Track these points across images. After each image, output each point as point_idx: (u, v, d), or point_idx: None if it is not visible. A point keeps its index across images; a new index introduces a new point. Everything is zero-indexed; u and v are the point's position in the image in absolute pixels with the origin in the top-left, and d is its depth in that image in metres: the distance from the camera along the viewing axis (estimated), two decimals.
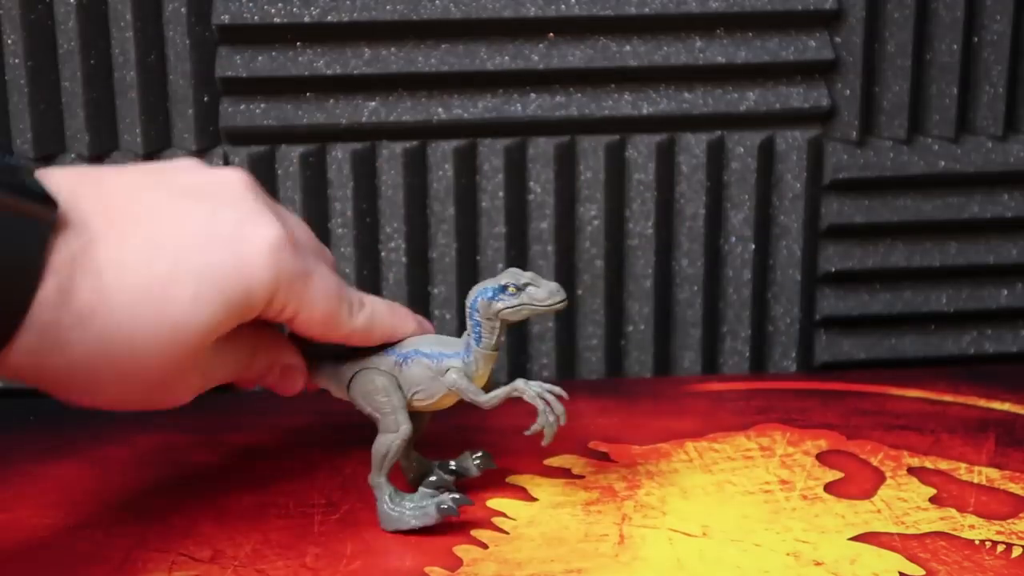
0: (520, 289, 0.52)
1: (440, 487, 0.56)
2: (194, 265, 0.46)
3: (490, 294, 0.52)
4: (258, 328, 0.52)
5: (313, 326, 0.51)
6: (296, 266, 0.48)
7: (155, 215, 0.46)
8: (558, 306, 0.52)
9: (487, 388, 0.54)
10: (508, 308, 0.52)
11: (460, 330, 0.78)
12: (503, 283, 0.52)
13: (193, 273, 0.45)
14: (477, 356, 0.53)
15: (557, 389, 0.53)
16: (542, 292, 0.52)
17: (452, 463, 0.58)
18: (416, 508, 0.53)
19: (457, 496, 0.54)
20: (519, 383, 0.53)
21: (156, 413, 0.62)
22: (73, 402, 0.47)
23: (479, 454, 0.58)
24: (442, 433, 0.61)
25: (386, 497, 0.54)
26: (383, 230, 0.78)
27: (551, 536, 0.53)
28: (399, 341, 0.55)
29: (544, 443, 0.53)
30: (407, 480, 0.57)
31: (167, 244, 0.45)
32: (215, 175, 0.50)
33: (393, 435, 0.53)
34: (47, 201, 0.42)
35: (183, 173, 0.49)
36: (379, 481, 0.54)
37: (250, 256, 0.47)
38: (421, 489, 0.54)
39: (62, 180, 0.44)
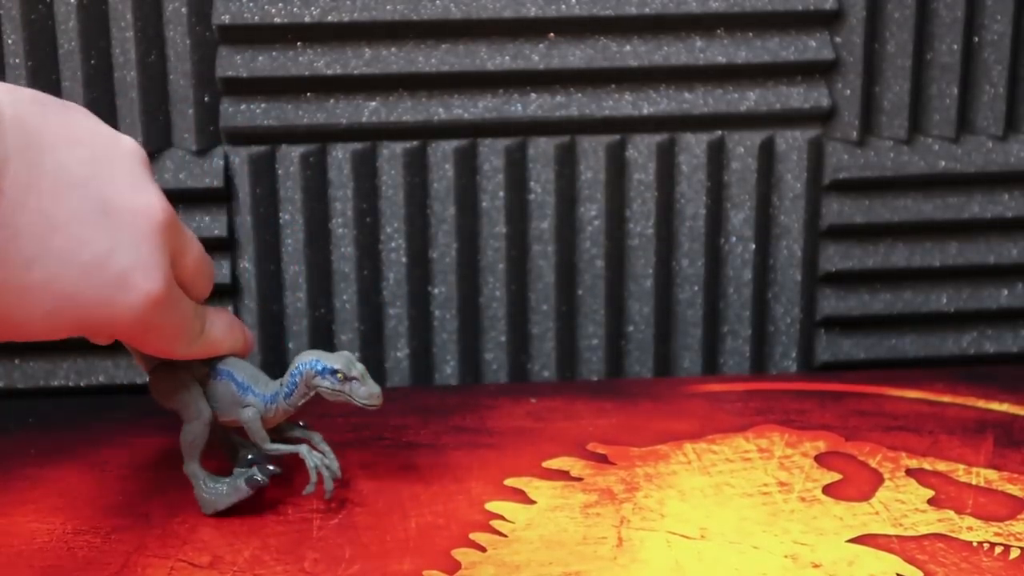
0: (348, 379, 0.55)
1: (253, 463, 0.57)
2: (63, 289, 0.47)
3: (319, 368, 0.55)
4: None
5: (148, 349, 0.53)
6: (164, 319, 0.51)
7: (62, 220, 0.47)
8: (371, 408, 0.55)
9: (276, 432, 0.57)
10: (326, 389, 0.55)
11: (459, 330, 0.78)
12: (335, 367, 0.55)
13: (58, 296, 0.47)
14: (278, 407, 0.56)
15: (334, 466, 0.57)
16: (363, 391, 0.55)
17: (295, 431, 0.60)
18: (229, 486, 0.56)
19: (268, 468, 0.56)
20: (303, 449, 0.56)
21: (156, 414, 0.62)
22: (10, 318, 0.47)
23: (299, 427, 0.60)
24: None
25: (201, 483, 0.56)
26: (383, 230, 0.78)
27: (549, 539, 0.53)
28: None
29: (306, 491, 0.56)
30: (236, 466, 0.59)
31: (54, 253, 0.47)
32: (136, 201, 0.49)
33: (196, 422, 0.56)
34: None
35: (111, 185, 0.49)
36: (192, 469, 0.56)
37: (124, 305, 0.48)
38: (235, 469, 0.57)
39: (20, 96, 0.46)
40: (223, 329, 0.56)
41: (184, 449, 0.56)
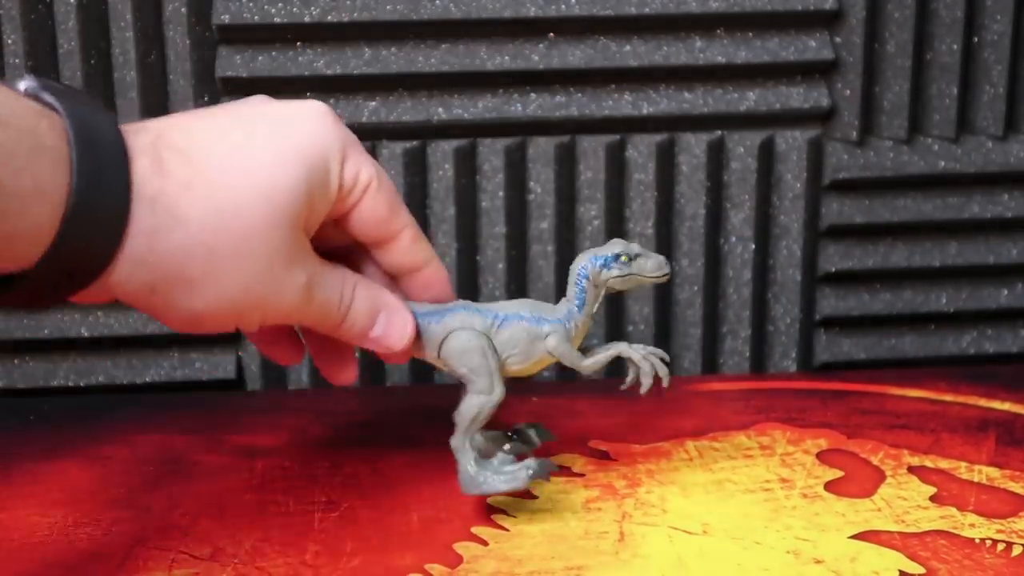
0: (632, 259, 0.53)
1: (514, 451, 0.55)
2: (267, 131, 0.47)
3: (602, 262, 0.53)
4: (365, 279, 0.53)
5: (379, 213, 0.52)
6: (350, 133, 0.51)
7: (215, 112, 0.49)
8: (664, 279, 0.53)
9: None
10: (618, 277, 0.53)
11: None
12: (616, 252, 0.53)
13: (268, 137, 0.47)
14: (577, 322, 0.54)
15: (660, 352, 0.54)
16: (651, 264, 0.53)
17: (510, 432, 0.57)
18: (502, 473, 0.53)
19: (544, 461, 0.53)
20: (622, 346, 0.54)
21: (155, 412, 0.62)
22: (186, 304, 0.46)
23: (533, 425, 0.58)
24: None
25: (471, 460, 0.53)
26: None
27: (551, 533, 0.53)
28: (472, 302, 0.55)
29: (642, 392, 0.54)
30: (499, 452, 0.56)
31: (235, 121, 0.48)
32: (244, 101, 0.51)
33: (486, 397, 0.53)
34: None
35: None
36: (463, 444, 0.53)
37: (316, 121, 0.49)
38: (500, 454, 0.54)
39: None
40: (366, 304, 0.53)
41: (462, 422, 0.53)
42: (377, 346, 0.54)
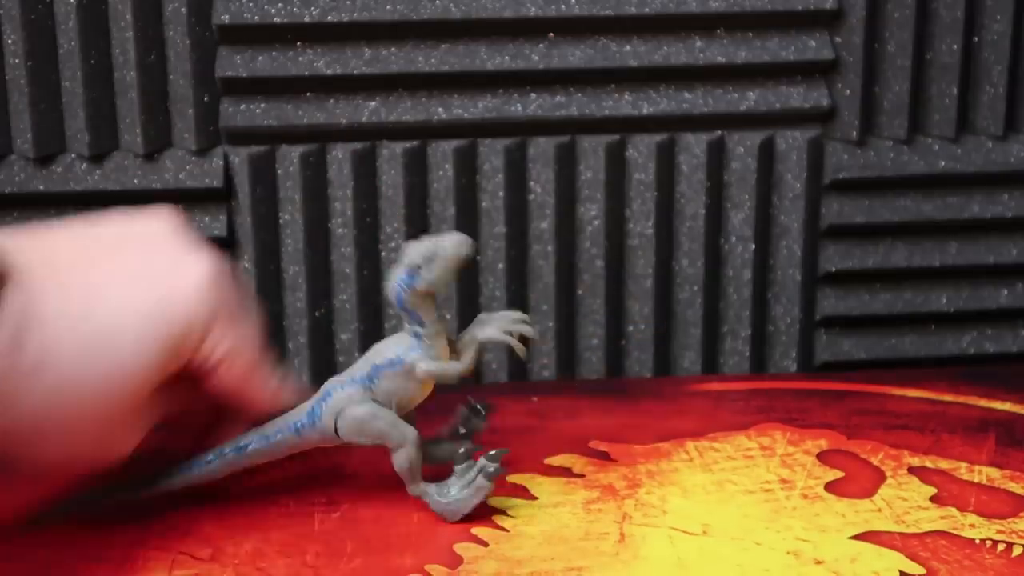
0: (431, 259, 0.51)
1: (467, 454, 0.55)
2: (134, 308, 0.47)
3: (407, 279, 0.52)
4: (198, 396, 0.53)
5: (235, 373, 0.52)
6: (231, 298, 0.50)
7: (93, 265, 0.47)
8: (470, 251, 0.52)
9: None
10: (428, 282, 0.51)
11: (459, 330, 0.78)
12: (412, 264, 0.51)
13: (134, 315, 0.47)
14: (429, 338, 0.53)
15: (516, 314, 0.54)
16: (449, 248, 0.51)
17: (459, 428, 0.58)
18: (464, 487, 0.54)
19: (492, 453, 0.54)
20: (479, 334, 0.54)
21: None
22: (8, 465, 0.46)
23: (475, 406, 0.58)
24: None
25: (433, 496, 0.54)
26: (383, 230, 0.78)
27: (551, 534, 0.53)
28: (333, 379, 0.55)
29: (519, 354, 0.54)
30: (439, 464, 0.56)
31: (106, 292, 0.47)
32: (144, 223, 0.51)
33: (405, 448, 0.53)
34: None
35: (115, 225, 0.51)
36: (419, 490, 0.54)
37: (186, 291, 0.48)
38: (455, 468, 0.54)
39: (4, 238, 0.45)
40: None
41: (404, 477, 0.54)
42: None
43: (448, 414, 0.59)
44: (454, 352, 0.54)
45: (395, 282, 0.52)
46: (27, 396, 0.44)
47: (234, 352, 0.51)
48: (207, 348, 0.50)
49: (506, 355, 0.79)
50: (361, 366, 0.54)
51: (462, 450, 0.55)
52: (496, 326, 0.54)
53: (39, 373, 0.44)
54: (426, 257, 0.51)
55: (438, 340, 0.53)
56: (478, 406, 0.59)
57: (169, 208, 0.52)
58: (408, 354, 0.53)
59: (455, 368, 0.53)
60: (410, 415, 0.56)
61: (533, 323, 0.79)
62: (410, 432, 0.53)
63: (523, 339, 0.54)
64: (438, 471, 0.55)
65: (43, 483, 0.48)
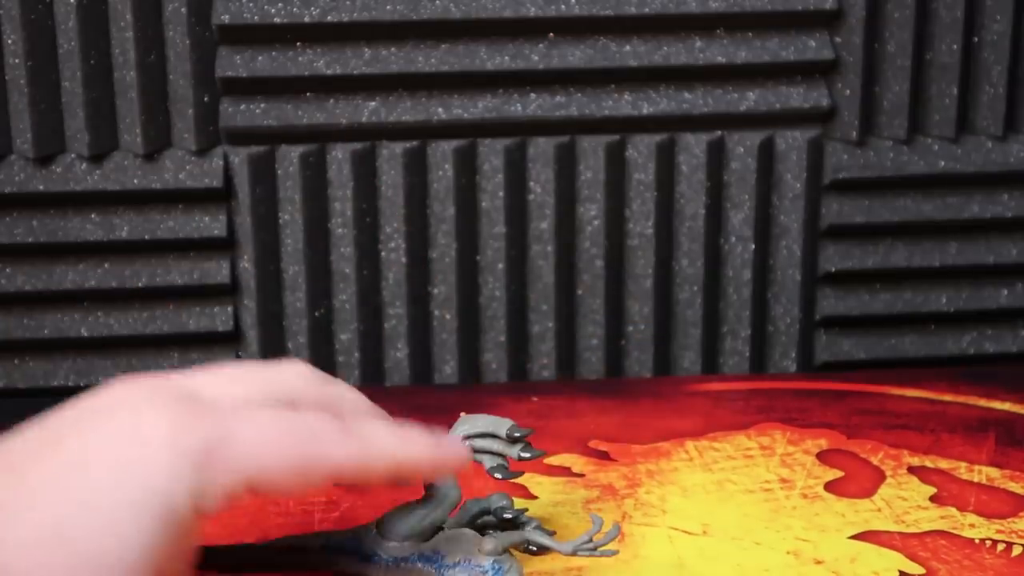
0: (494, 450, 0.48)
1: (481, 522, 0.50)
2: (71, 494, 0.36)
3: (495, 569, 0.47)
4: None
5: (280, 481, 0.39)
6: (204, 433, 0.37)
7: (40, 479, 0.36)
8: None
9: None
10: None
11: (459, 330, 0.78)
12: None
13: (74, 504, 0.35)
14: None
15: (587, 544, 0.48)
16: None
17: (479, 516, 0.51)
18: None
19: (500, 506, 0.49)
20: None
21: None
22: None
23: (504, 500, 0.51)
24: None
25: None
26: (383, 230, 0.78)
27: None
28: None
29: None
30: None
31: (34, 494, 0.36)
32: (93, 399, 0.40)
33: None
34: None
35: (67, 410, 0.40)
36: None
37: (145, 464, 0.36)
38: (485, 547, 0.48)
39: None
40: (384, 433, 0.42)
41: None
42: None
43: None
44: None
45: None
46: None
47: (255, 469, 0.38)
48: (208, 502, 0.37)
49: (506, 355, 0.79)
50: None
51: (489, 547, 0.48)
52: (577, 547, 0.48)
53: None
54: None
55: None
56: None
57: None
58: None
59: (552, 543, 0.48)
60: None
61: (533, 323, 0.79)
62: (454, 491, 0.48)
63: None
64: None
65: None
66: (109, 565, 0.34)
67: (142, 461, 0.36)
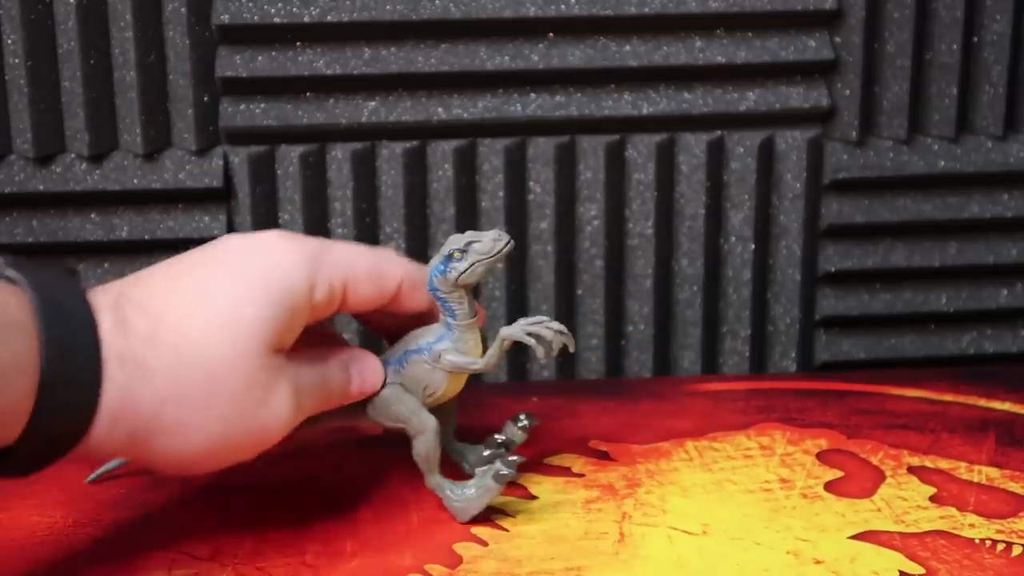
0: (464, 251, 0.52)
1: (492, 461, 0.55)
2: (225, 272, 0.49)
3: (441, 268, 0.52)
4: (327, 348, 0.54)
5: (367, 290, 0.52)
6: (313, 242, 0.51)
7: (177, 260, 0.50)
8: (506, 248, 0.52)
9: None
10: (462, 272, 0.52)
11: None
12: (447, 252, 0.52)
13: (226, 278, 0.48)
14: (460, 330, 0.53)
15: (543, 319, 0.53)
16: (486, 243, 0.52)
17: (497, 436, 0.58)
18: (478, 489, 0.54)
19: (510, 459, 0.53)
20: (503, 331, 0.53)
21: None
22: (170, 451, 0.47)
23: (521, 418, 0.58)
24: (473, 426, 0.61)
25: (448, 492, 0.54)
26: (383, 230, 0.78)
27: (551, 534, 0.53)
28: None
29: (553, 355, 0.54)
30: (467, 471, 0.57)
31: (192, 267, 0.49)
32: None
33: (423, 434, 0.54)
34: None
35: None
36: (435, 482, 0.54)
37: (277, 253, 0.50)
38: (477, 471, 0.55)
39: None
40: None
41: (421, 465, 0.54)
42: (360, 396, 0.54)
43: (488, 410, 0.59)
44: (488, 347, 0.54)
45: (430, 269, 0.53)
46: (155, 363, 0.45)
47: (352, 277, 0.51)
48: (321, 294, 0.50)
49: (506, 354, 0.79)
50: (396, 349, 0.55)
51: (486, 452, 0.57)
52: (521, 326, 0.53)
53: (154, 342, 0.46)
54: (461, 248, 0.52)
55: (469, 333, 0.54)
56: (523, 421, 0.58)
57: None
58: (437, 343, 0.54)
59: (476, 364, 0.54)
60: (448, 409, 0.57)
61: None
62: (430, 421, 0.54)
63: (564, 349, 0.54)
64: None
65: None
66: (248, 322, 0.47)
67: (277, 261, 0.49)
